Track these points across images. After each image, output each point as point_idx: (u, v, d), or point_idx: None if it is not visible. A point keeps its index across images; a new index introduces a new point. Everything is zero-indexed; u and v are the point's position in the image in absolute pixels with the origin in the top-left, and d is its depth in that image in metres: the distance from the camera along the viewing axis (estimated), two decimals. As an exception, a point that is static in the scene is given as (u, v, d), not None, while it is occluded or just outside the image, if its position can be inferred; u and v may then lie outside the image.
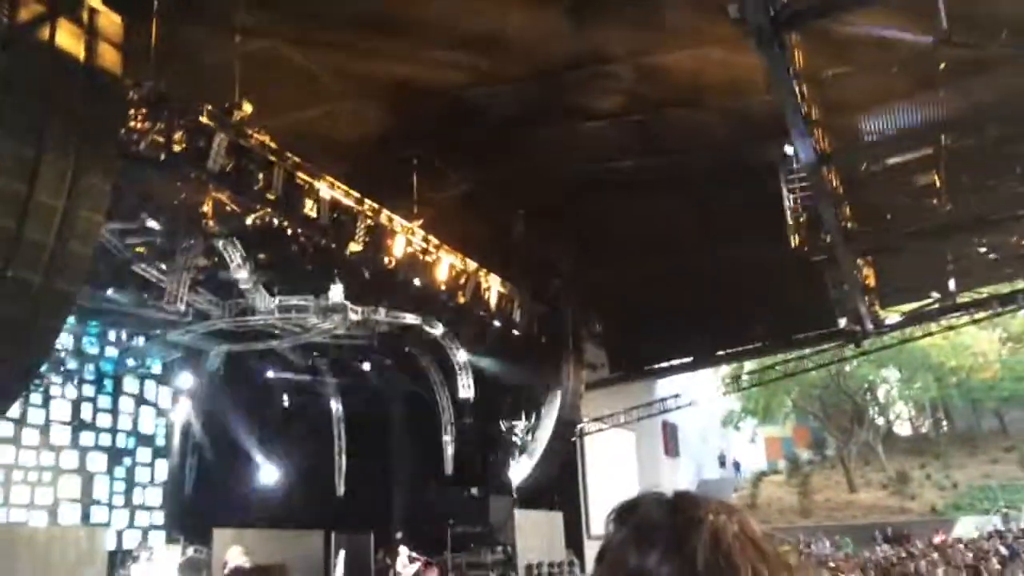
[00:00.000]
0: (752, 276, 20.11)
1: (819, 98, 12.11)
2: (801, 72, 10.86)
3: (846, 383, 39.14)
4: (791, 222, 15.72)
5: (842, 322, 19.22)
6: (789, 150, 13.74)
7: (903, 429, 45.73)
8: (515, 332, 20.78)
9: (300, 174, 13.94)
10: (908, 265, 17.76)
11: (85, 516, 19.93)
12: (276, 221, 14.51)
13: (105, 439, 21.08)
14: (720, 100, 14.92)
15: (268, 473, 23.54)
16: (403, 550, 20.16)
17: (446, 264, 17.51)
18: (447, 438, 23.37)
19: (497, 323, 20.08)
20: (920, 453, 41.10)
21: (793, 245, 15.86)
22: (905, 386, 40.98)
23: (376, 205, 15.59)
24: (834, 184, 13.59)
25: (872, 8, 10.68)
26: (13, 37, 9.03)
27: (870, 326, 19.18)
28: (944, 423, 45.39)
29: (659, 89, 15.11)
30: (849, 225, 14.44)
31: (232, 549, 16.87)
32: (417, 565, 19.92)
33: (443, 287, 17.53)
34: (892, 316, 20.24)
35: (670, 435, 34.88)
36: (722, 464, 44.66)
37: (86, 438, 20.59)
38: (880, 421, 42.65)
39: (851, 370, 37.34)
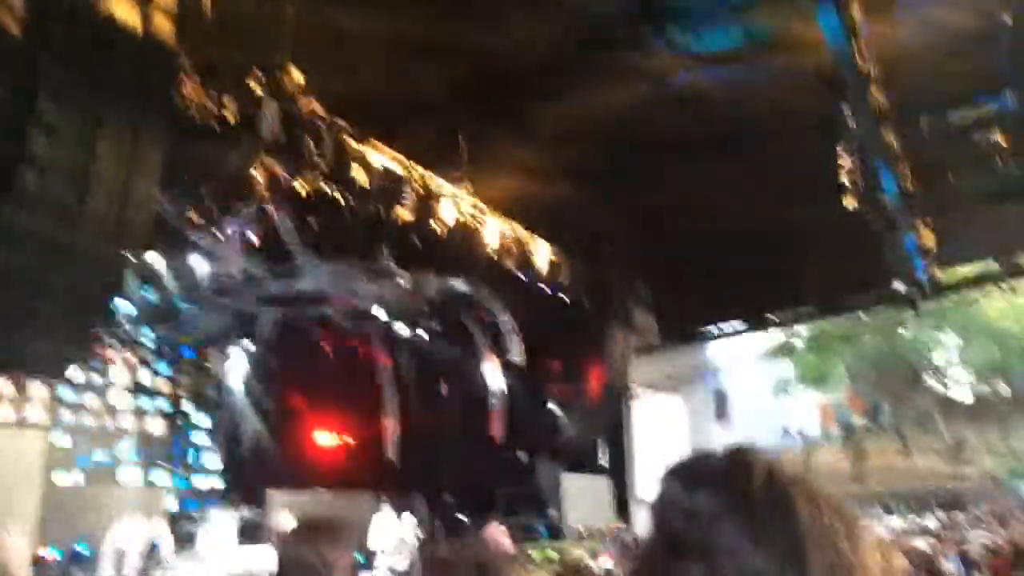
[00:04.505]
0: (805, 239, 19.76)
1: (876, 54, 11.76)
2: (857, 28, 10.55)
3: (902, 348, 38.42)
4: (847, 183, 15.37)
5: (899, 285, 18.80)
6: (845, 109, 13.38)
7: (961, 395, 44.85)
8: (564, 297, 20.75)
9: (350, 141, 13.99)
10: (969, 226, 17.28)
11: (145, 479, 20.54)
12: (326, 188, 14.62)
13: (163, 403, 21.64)
14: (772, 57, 14.57)
15: (321, 437, 23.97)
16: None
17: (494, 230, 17.50)
18: (495, 403, 23.54)
19: (546, 289, 20.07)
20: (979, 419, 40.24)
21: (849, 207, 15.51)
22: (964, 351, 40.11)
23: (425, 171, 15.60)
24: (892, 144, 13.24)
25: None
26: (72, 10, 9.15)
27: (928, 290, 18.76)
28: (1004, 388, 44.38)
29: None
30: (908, 186, 14.07)
31: (283, 514, 17.25)
32: None
33: (492, 253, 17.54)
34: (951, 279, 19.77)
35: (720, 401, 34.64)
36: (786, 434, 44.18)
37: (145, 402, 21.16)
38: (937, 387, 41.84)
39: (908, 335, 36.66)
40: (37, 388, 17.89)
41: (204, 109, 11.75)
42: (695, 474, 1.11)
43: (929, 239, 16.29)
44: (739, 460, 1.10)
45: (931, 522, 23.89)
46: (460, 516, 20.55)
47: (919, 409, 39.70)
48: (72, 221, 9.30)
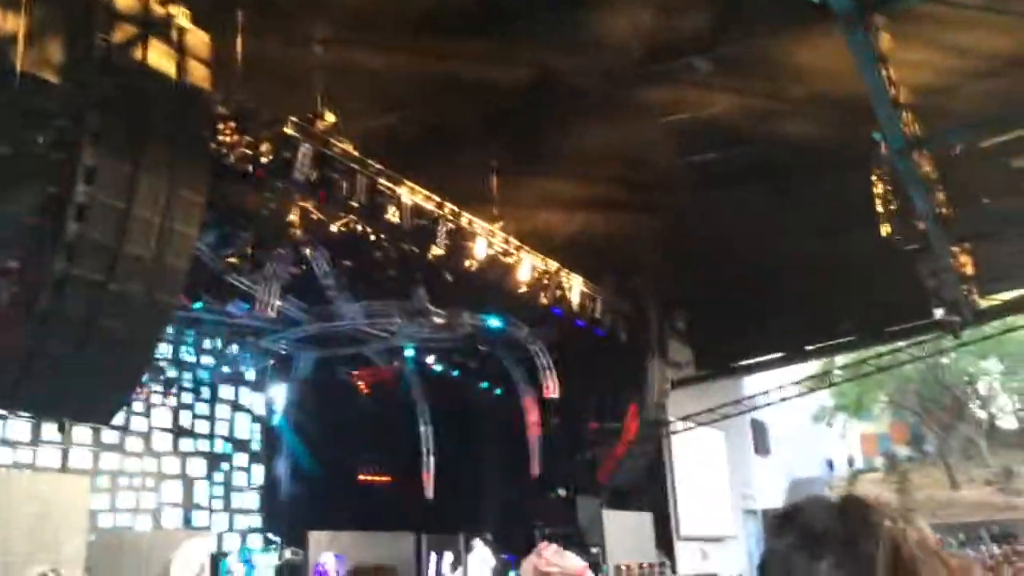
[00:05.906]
0: (841, 268, 19.58)
1: (907, 80, 11.70)
2: (887, 55, 10.51)
3: (944, 376, 37.72)
4: (881, 210, 15.22)
5: (938, 312, 18.47)
6: (877, 136, 13.30)
7: (1007, 423, 43.87)
8: (600, 331, 20.67)
9: (382, 180, 14.16)
10: (1008, 250, 17.00)
11: (187, 520, 20.63)
12: (360, 228, 14.79)
13: (204, 445, 21.78)
14: (803, 88, 14.57)
15: (360, 476, 23.99)
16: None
17: (527, 265, 17.54)
18: (532, 439, 23.39)
19: (580, 323, 20.02)
20: (1025, 447, 39.36)
21: (884, 234, 15.35)
22: (1008, 378, 39.27)
23: (457, 208, 15.72)
24: (926, 169, 13.12)
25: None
26: (109, 59, 9.43)
27: (969, 316, 18.43)
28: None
29: (739, 79, 14.84)
30: (943, 211, 13.91)
31: (325, 555, 17.24)
32: None
33: (525, 288, 17.56)
34: (992, 305, 19.40)
35: (759, 433, 34.16)
36: (831, 467, 43.36)
37: (186, 444, 21.31)
38: (982, 415, 40.96)
39: (950, 362, 35.98)
40: (80, 432, 18.11)
41: (239, 153, 11.98)
42: (809, 538, 1.06)
43: (968, 265, 16.04)
44: (858, 521, 1.06)
45: (986, 555, 23.27)
46: (503, 555, 20.34)
47: (964, 437, 38.84)
48: (113, 265, 9.49)
